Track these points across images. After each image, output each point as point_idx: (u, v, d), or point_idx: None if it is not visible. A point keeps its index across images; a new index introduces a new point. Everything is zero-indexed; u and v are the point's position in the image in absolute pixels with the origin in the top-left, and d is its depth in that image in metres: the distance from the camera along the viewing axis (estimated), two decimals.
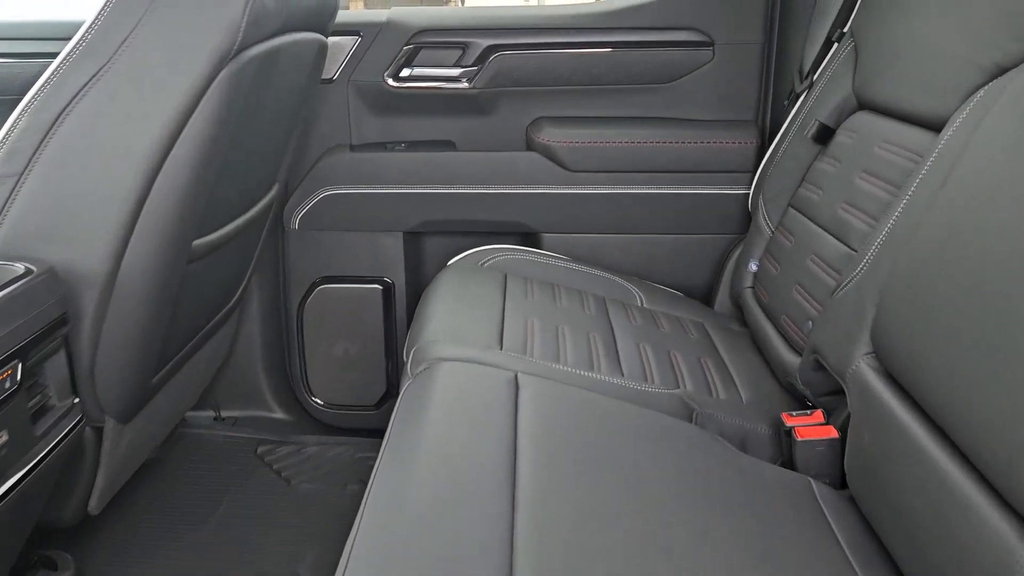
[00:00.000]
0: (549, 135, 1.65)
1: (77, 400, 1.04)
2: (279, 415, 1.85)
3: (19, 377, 0.88)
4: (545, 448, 0.92)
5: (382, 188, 1.67)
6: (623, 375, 1.20)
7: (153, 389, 1.24)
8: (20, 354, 0.89)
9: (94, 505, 1.21)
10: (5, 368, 0.86)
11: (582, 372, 1.15)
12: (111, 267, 1.03)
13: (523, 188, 1.66)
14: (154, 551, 1.41)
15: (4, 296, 0.87)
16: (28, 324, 0.90)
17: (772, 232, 1.46)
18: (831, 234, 1.22)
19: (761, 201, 1.51)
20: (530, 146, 1.69)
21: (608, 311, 1.44)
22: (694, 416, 1.14)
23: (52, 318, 0.95)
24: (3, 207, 1.01)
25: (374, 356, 1.77)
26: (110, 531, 1.44)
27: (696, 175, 1.65)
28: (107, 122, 1.01)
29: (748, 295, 1.48)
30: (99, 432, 1.15)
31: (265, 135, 1.31)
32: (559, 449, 0.92)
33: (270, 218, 1.56)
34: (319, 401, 1.81)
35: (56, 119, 1.01)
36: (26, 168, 1.01)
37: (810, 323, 1.19)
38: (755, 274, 1.49)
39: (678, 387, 1.20)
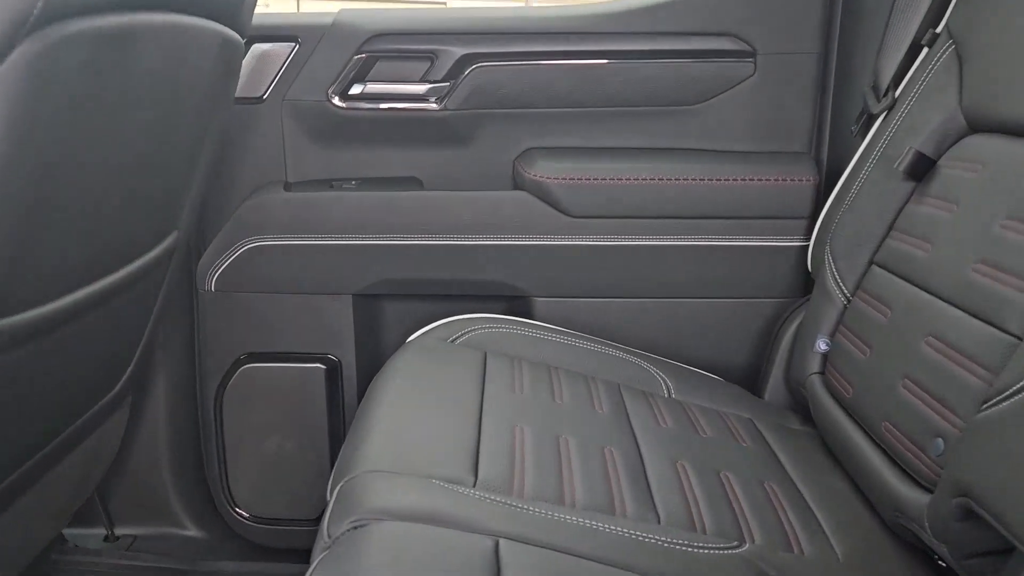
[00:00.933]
0: (543, 170, 1.26)
1: None
2: (192, 532, 1.42)
3: None
4: None
5: (325, 238, 1.28)
6: (659, 520, 0.80)
7: None
8: None
9: None
10: None
11: (601, 526, 0.75)
12: None
13: (509, 239, 1.27)
14: None
15: None
16: None
17: (848, 299, 1.07)
18: (961, 308, 0.83)
19: (828, 256, 1.12)
20: (518, 184, 1.30)
21: (627, 408, 1.04)
22: None
23: None
24: None
25: (315, 456, 1.35)
26: None
27: (735, 223, 1.26)
28: None
29: (817, 385, 1.08)
30: None
31: (139, 161, 0.91)
32: None
33: (168, 278, 1.16)
34: (244, 514, 1.38)
35: None
36: None
37: (941, 442, 0.79)
38: (826, 356, 1.09)
39: (742, 540, 0.79)
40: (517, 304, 1.31)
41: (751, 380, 1.28)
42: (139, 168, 0.91)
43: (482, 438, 0.88)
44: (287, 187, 1.31)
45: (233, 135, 1.31)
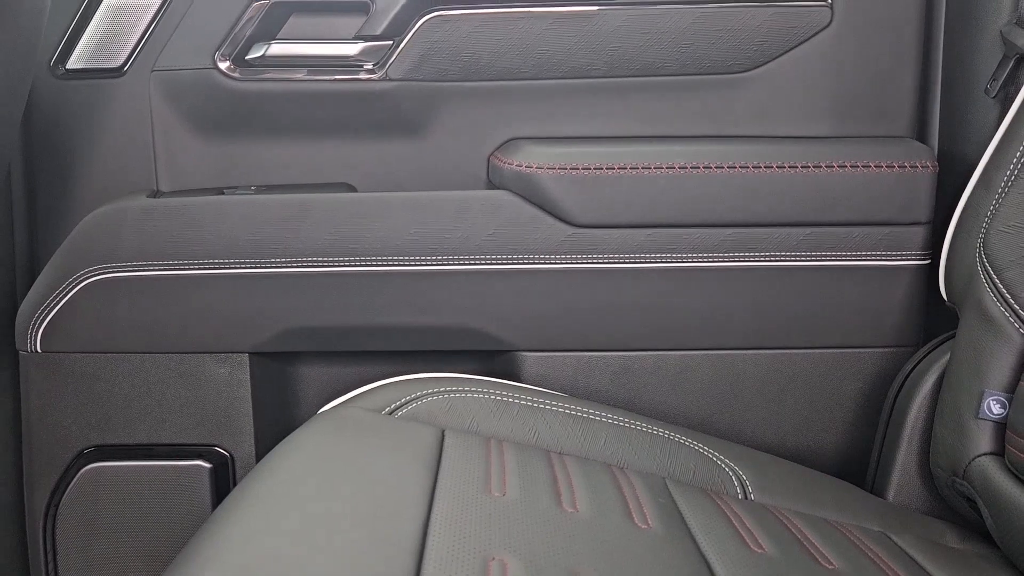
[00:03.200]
0: (532, 158, 0.86)
1: None
2: None
3: None
4: None
5: (206, 266, 0.85)
6: None
7: None
8: None
9: None
10: None
11: None
12: None
13: (483, 262, 0.85)
14: None
15: None
16: None
17: None
18: None
19: (983, 270, 0.72)
20: (496, 183, 0.90)
21: (686, 519, 0.60)
22: None
23: None
24: None
25: None
26: None
27: (814, 232, 0.85)
28: None
29: (991, 470, 0.65)
30: None
31: None
32: None
33: None
34: None
35: None
36: None
37: None
38: (1003, 423, 0.67)
39: None
40: (495, 363, 0.89)
41: (856, 474, 0.84)
42: None
43: (423, 574, 0.44)
44: (156, 196, 0.90)
45: (77, 124, 0.90)
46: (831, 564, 0.57)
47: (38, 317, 0.87)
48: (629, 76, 0.90)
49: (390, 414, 0.72)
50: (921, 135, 0.91)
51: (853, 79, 0.90)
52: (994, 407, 0.68)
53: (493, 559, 0.48)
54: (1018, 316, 0.68)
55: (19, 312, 0.88)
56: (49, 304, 0.86)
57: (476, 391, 0.76)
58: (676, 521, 0.60)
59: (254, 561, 0.47)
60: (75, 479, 0.90)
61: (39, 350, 0.87)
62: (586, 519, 0.56)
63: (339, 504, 0.53)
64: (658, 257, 0.85)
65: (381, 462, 0.61)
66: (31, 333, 0.87)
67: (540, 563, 0.48)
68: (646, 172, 0.84)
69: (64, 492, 0.90)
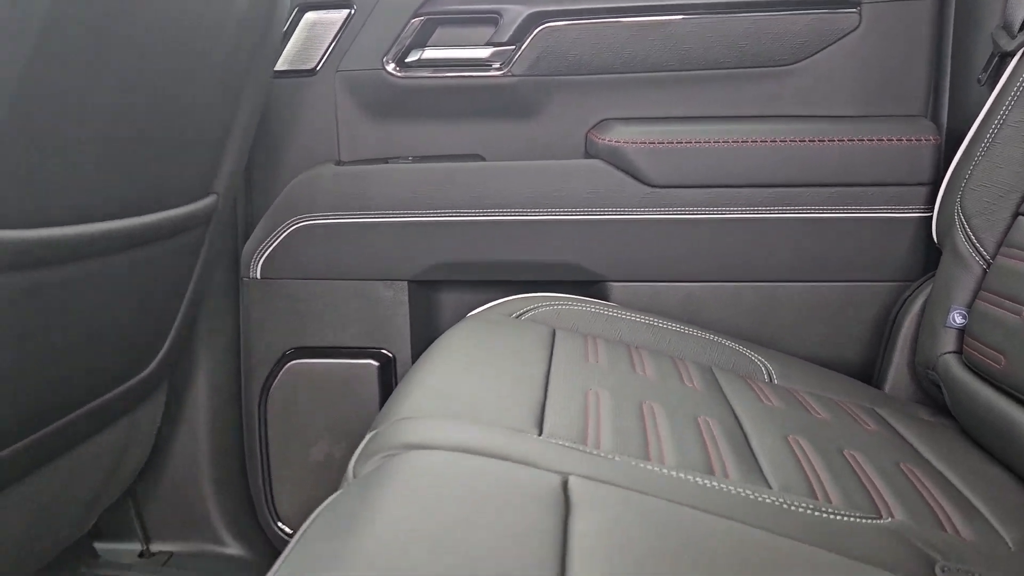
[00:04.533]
0: (620, 135, 1.13)
1: None
2: (232, 550, 1.28)
3: None
4: None
5: (378, 216, 1.16)
6: (768, 486, 0.63)
7: None
8: None
9: None
10: None
11: (698, 480, 0.58)
12: None
13: (581, 213, 1.13)
14: None
15: None
16: None
17: (988, 260, 0.90)
18: None
19: (959, 218, 0.95)
20: (591, 155, 1.17)
21: (722, 386, 0.87)
22: (936, 572, 0.55)
23: None
24: None
25: None
26: None
27: (842, 191, 1.09)
28: None
29: (952, 365, 0.90)
30: None
31: (150, 106, 0.81)
32: None
33: (205, 256, 1.06)
34: (287, 531, 1.24)
35: None
36: None
37: None
38: (962, 330, 0.91)
39: (879, 515, 0.62)
40: (590, 289, 1.17)
41: (865, 375, 1.09)
42: (150, 112, 0.81)
43: (548, 399, 0.73)
44: (339, 165, 1.21)
45: (283, 112, 1.22)
46: (820, 415, 0.84)
47: (257, 254, 1.19)
48: (696, 70, 1.16)
49: (516, 318, 1.01)
50: (934, 115, 1.14)
51: (877, 70, 1.13)
52: (957, 318, 0.92)
53: (591, 391, 0.76)
54: (980, 252, 0.91)
55: (244, 251, 1.21)
56: (265, 244, 1.19)
57: (577, 305, 1.04)
58: (715, 387, 0.87)
59: (441, 401, 0.73)
60: (280, 372, 1.22)
61: (258, 277, 1.20)
62: (652, 379, 0.84)
63: (488, 366, 0.82)
64: (716, 210, 1.11)
65: (514, 343, 0.90)
66: (252, 265, 1.20)
67: (621, 395, 0.77)
68: (708, 145, 1.11)
69: (272, 382, 1.23)
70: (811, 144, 1.09)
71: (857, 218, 1.09)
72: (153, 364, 1.05)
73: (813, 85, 1.15)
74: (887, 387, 1.02)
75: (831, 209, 1.10)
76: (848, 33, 1.12)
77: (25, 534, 0.91)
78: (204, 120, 0.93)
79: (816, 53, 1.14)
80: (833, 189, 1.09)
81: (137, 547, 1.29)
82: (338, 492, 0.52)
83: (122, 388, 0.98)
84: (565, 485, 0.49)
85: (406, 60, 1.19)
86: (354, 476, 0.55)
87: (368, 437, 0.61)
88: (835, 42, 1.13)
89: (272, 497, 1.25)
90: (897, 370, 1.02)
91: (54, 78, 0.65)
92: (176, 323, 1.06)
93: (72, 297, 0.79)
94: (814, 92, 1.15)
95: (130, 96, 0.77)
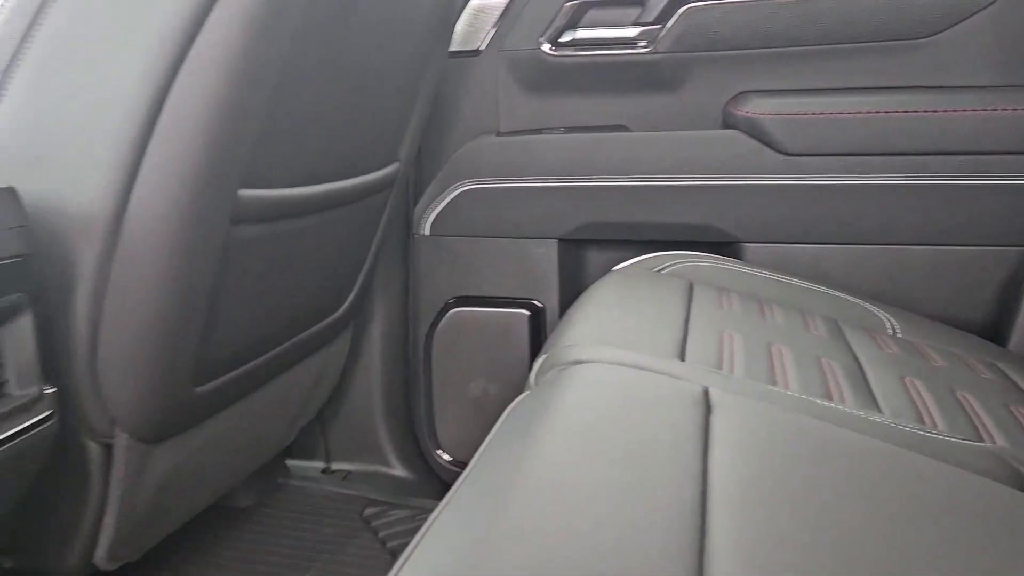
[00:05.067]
0: (756, 107, 1.22)
1: (51, 390, 0.72)
2: (398, 472, 1.48)
3: None
4: (760, 511, 0.47)
5: (534, 180, 1.30)
6: (880, 412, 0.73)
7: (200, 405, 0.91)
8: None
9: (102, 556, 0.87)
10: None
11: (819, 401, 0.70)
12: (113, 207, 0.72)
13: (718, 179, 1.24)
14: None
15: None
16: None
17: None
18: None
19: None
20: (729, 125, 1.27)
21: (846, 335, 0.97)
22: None
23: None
24: None
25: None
26: None
27: (974, 159, 1.15)
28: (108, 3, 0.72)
29: None
30: (109, 451, 0.83)
31: (358, 88, 0.98)
32: (788, 512, 0.48)
33: (388, 212, 1.23)
34: (446, 458, 1.42)
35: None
36: (7, 68, 0.73)
37: None
38: None
39: (983, 439, 0.71)
40: (725, 250, 1.27)
41: (991, 333, 1.15)
42: (357, 94, 0.98)
43: (688, 336, 0.85)
44: (499, 135, 1.36)
45: (450, 88, 1.38)
46: (938, 362, 0.92)
47: (427, 213, 1.36)
48: (832, 44, 1.23)
49: (657, 272, 1.13)
50: None
51: (1012, 41, 1.17)
52: None
53: (725, 332, 0.88)
54: None
55: (415, 210, 1.38)
56: (434, 204, 1.36)
57: (712, 262, 1.16)
58: (839, 336, 0.97)
59: (597, 332, 0.87)
60: (443, 318, 1.39)
61: (426, 234, 1.37)
62: (781, 325, 0.95)
63: (634, 309, 0.95)
64: (848, 177, 1.19)
65: (656, 292, 1.02)
66: (422, 223, 1.37)
67: (751, 338, 0.88)
68: (842, 116, 1.18)
69: (436, 327, 1.40)
70: (944, 114, 1.15)
71: (987, 184, 1.14)
72: (344, 306, 1.24)
73: (950, 57, 1.19)
74: (1011, 346, 1.08)
75: (962, 176, 1.15)
76: (983, 7, 1.17)
77: (246, 442, 1.12)
78: (394, 100, 1.10)
79: (954, 25, 1.19)
80: (964, 157, 1.15)
81: (320, 464, 1.51)
82: (522, 395, 0.67)
83: (321, 324, 1.17)
84: (706, 393, 0.62)
85: (559, 40, 1.32)
86: (535, 384, 0.69)
87: (540, 359, 0.76)
88: (970, 15, 1.18)
89: (434, 427, 1.43)
90: (1020, 327, 1.07)
91: (298, 73, 0.82)
92: (363, 272, 1.25)
93: (295, 246, 0.97)
94: (951, 64, 1.20)
95: (346, 85, 0.94)
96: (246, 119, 0.76)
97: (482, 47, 1.35)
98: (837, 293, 1.12)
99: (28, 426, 0.67)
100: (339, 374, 1.36)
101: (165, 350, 0.79)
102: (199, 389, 0.89)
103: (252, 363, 1.01)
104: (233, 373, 0.96)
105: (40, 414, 0.69)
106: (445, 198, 1.34)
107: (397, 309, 1.45)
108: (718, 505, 0.45)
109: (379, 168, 1.13)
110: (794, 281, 1.14)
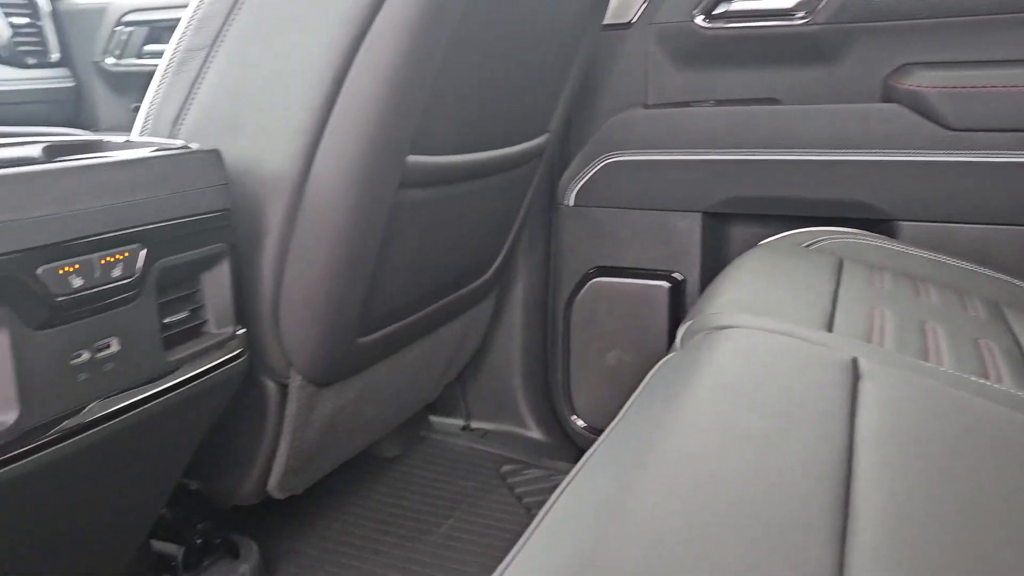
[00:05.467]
0: (921, 79, 1.18)
1: (242, 331, 0.81)
2: (534, 434, 1.53)
3: (139, 267, 0.66)
4: (906, 470, 0.48)
5: (680, 153, 1.31)
6: None
7: (362, 355, 0.99)
8: (143, 238, 0.66)
9: (274, 485, 0.97)
10: (115, 251, 0.63)
11: (975, 379, 0.68)
12: (299, 169, 0.79)
13: (875, 154, 1.20)
14: (359, 555, 1.15)
15: (126, 161, 0.65)
16: (158, 204, 0.67)
17: None
18: None
19: None
20: (890, 98, 1.22)
21: (1007, 318, 0.93)
22: None
23: (201, 209, 0.72)
24: (191, 85, 0.83)
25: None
26: (313, 524, 1.22)
27: None
28: None
29: None
30: (285, 390, 0.92)
31: (517, 64, 1.02)
32: (936, 474, 0.48)
33: (536, 182, 1.27)
34: (581, 423, 1.46)
35: None
36: (216, 40, 0.82)
37: None
38: None
39: None
40: (877, 227, 1.23)
41: None
42: (515, 66, 1.02)
43: (836, 311, 0.85)
44: (647, 108, 1.37)
45: (600, 60, 1.40)
46: None
47: (573, 183, 1.39)
48: (1005, 13, 1.16)
49: (805, 248, 1.12)
50: None
51: None
52: None
53: (876, 308, 0.87)
54: None
55: (561, 180, 1.41)
56: (580, 175, 1.39)
57: (865, 240, 1.13)
58: (1000, 318, 0.93)
59: (744, 301, 0.88)
60: (584, 288, 1.42)
61: (571, 204, 1.40)
62: (936, 304, 0.92)
63: (780, 282, 0.95)
64: (1018, 153, 1.13)
65: (803, 267, 1.01)
66: (567, 194, 1.40)
67: (903, 315, 0.86)
68: (1014, 89, 1.12)
69: (576, 295, 1.43)
70: None
71: None
72: (490, 271, 1.29)
73: None
74: None
75: None
76: None
77: (396, 394, 1.20)
78: (549, 71, 1.13)
79: None
80: None
81: (460, 422, 1.58)
82: (668, 355, 0.69)
83: (468, 288, 1.23)
84: (855, 362, 0.62)
85: (713, 12, 1.31)
86: (681, 346, 0.71)
87: (685, 325, 0.78)
88: None
89: (570, 393, 1.47)
90: None
91: (462, 48, 0.87)
92: (509, 239, 1.30)
93: (451, 211, 1.03)
94: None
95: (505, 58, 0.98)
96: (416, 91, 0.82)
97: (633, 20, 1.36)
98: (1002, 276, 1.07)
99: (222, 361, 0.76)
100: (482, 337, 1.42)
101: (337, 301, 0.86)
102: (361, 340, 0.97)
103: (407, 320, 1.07)
104: (390, 328, 1.04)
105: (233, 351, 0.78)
106: (591, 169, 1.37)
107: (539, 277, 1.50)
108: (864, 460, 0.46)
109: (531, 138, 1.17)
110: (953, 261, 1.10)
